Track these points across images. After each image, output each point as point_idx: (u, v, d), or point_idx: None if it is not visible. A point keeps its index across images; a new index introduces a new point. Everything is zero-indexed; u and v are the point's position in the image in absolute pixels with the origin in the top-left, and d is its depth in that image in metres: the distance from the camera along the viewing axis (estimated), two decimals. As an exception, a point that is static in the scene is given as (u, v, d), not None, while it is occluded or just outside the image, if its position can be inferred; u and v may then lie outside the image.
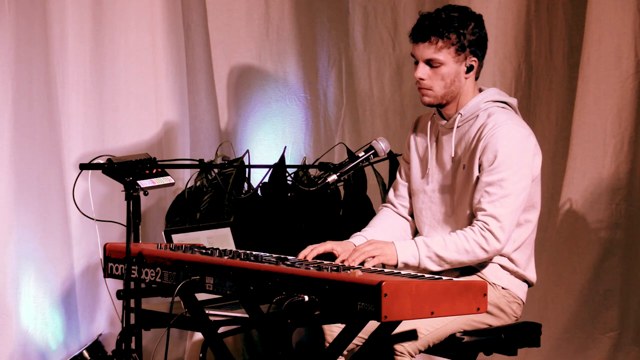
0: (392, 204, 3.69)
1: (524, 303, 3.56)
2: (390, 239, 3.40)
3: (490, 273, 3.46)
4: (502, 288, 3.48)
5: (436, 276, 2.96)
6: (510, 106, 3.49)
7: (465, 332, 3.40)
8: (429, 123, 3.58)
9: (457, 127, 3.47)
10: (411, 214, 3.66)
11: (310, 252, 3.36)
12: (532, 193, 3.44)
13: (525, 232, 3.48)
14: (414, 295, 2.77)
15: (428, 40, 3.39)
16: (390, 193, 3.71)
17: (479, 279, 3.43)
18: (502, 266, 3.47)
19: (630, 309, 4.67)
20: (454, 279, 2.93)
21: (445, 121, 3.51)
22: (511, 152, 3.34)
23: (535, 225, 3.51)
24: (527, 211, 3.45)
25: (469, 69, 3.42)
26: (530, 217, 3.48)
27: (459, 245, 3.32)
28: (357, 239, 3.53)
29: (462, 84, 3.43)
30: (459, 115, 3.45)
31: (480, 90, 3.51)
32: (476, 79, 3.50)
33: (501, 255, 3.45)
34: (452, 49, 3.39)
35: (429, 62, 3.41)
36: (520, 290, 3.52)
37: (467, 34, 3.38)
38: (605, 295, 4.69)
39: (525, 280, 3.54)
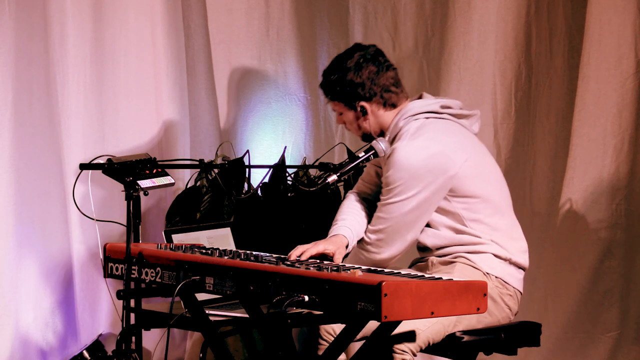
0: (357, 189, 3.79)
1: (521, 293, 3.56)
2: (364, 224, 3.56)
3: (484, 262, 3.47)
4: (496, 277, 3.49)
5: (436, 276, 2.97)
6: (435, 113, 3.54)
7: (465, 332, 3.40)
8: None
9: (392, 147, 3.52)
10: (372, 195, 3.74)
11: (302, 254, 3.36)
12: (460, 185, 3.45)
13: (474, 213, 3.49)
14: (414, 295, 2.77)
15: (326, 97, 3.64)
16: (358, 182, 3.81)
17: (473, 268, 3.44)
18: (495, 255, 3.48)
19: (630, 309, 4.67)
20: (454, 278, 2.94)
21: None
22: (399, 172, 3.41)
23: (491, 207, 3.51)
24: (464, 200, 3.48)
25: (363, 112, 3.55)
26: (477, 205, 3.49)
27: (358, 260, 3.54)
28: (343, 230, 3.55)
29: (371, 122, 3.59)
30: (387, 138, 3.56)
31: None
32: (397, 96, 3.56)
33: (491, 241, 3.48)
34: (340, 103, 3.59)
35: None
36: (515, 278, 3.53)
37: (341, 89, 3.56)
38: (605, 295, 4.69)
39: (520, 267, 3.54)
